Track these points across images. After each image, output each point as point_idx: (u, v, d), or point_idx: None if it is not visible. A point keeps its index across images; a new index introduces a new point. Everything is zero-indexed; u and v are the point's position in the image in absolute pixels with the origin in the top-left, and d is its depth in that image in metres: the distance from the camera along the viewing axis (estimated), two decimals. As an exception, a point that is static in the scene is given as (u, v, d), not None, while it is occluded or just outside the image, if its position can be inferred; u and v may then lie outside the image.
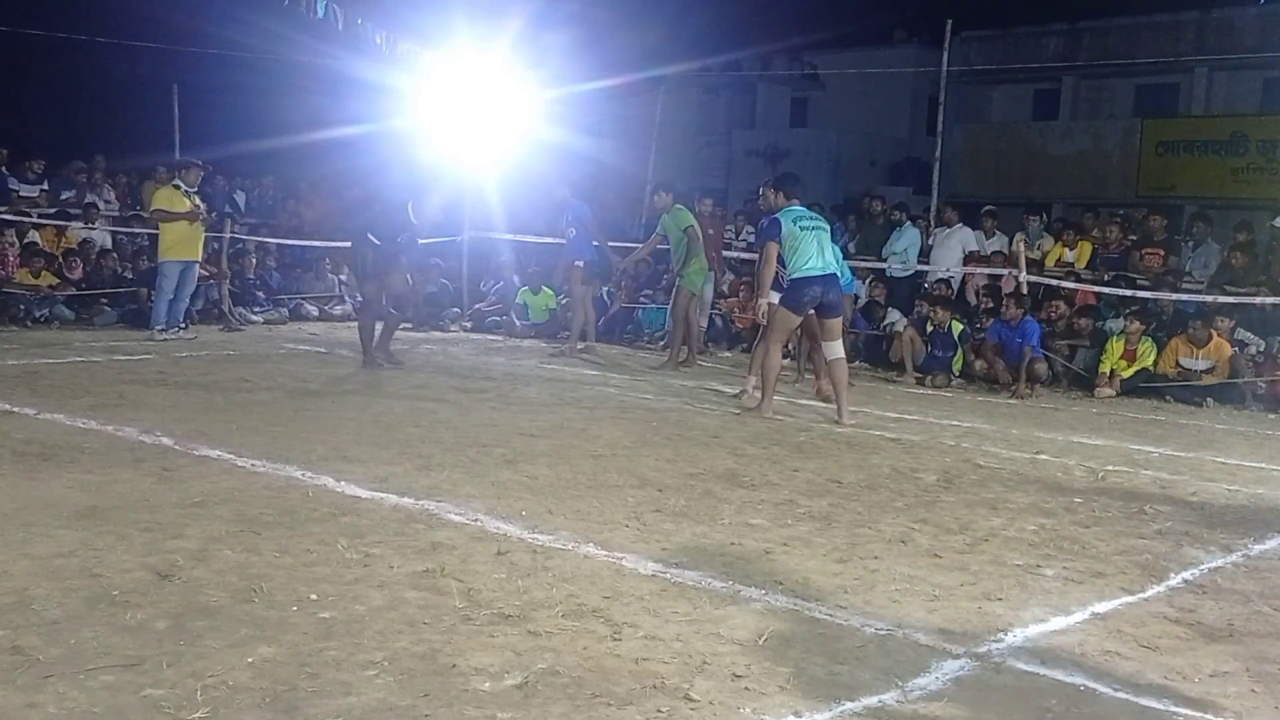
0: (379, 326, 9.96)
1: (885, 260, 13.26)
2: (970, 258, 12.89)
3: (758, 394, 8.41)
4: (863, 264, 13.14)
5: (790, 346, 11.90)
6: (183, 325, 11.84)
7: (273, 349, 10.98)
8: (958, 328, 11.04)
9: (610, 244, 12.27)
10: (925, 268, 13.06)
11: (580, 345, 11.72)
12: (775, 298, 8.51)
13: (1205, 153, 20.97)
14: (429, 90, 13.63)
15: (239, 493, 4.88)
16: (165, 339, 11.25)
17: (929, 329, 11.15)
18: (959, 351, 10.96)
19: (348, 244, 15.27)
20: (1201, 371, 10.24)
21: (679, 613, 3.60)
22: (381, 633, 3.29)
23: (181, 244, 11.63)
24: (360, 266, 10.21)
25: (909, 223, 13.58)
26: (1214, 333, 10.31)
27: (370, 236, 9.79)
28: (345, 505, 4.76)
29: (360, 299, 10.60)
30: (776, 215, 8.18)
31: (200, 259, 12.07)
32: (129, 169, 16.09)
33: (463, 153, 14.05)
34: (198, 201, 11.84)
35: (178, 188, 11.71)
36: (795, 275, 7.98)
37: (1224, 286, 11.07)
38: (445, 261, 15.03)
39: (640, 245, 12.49)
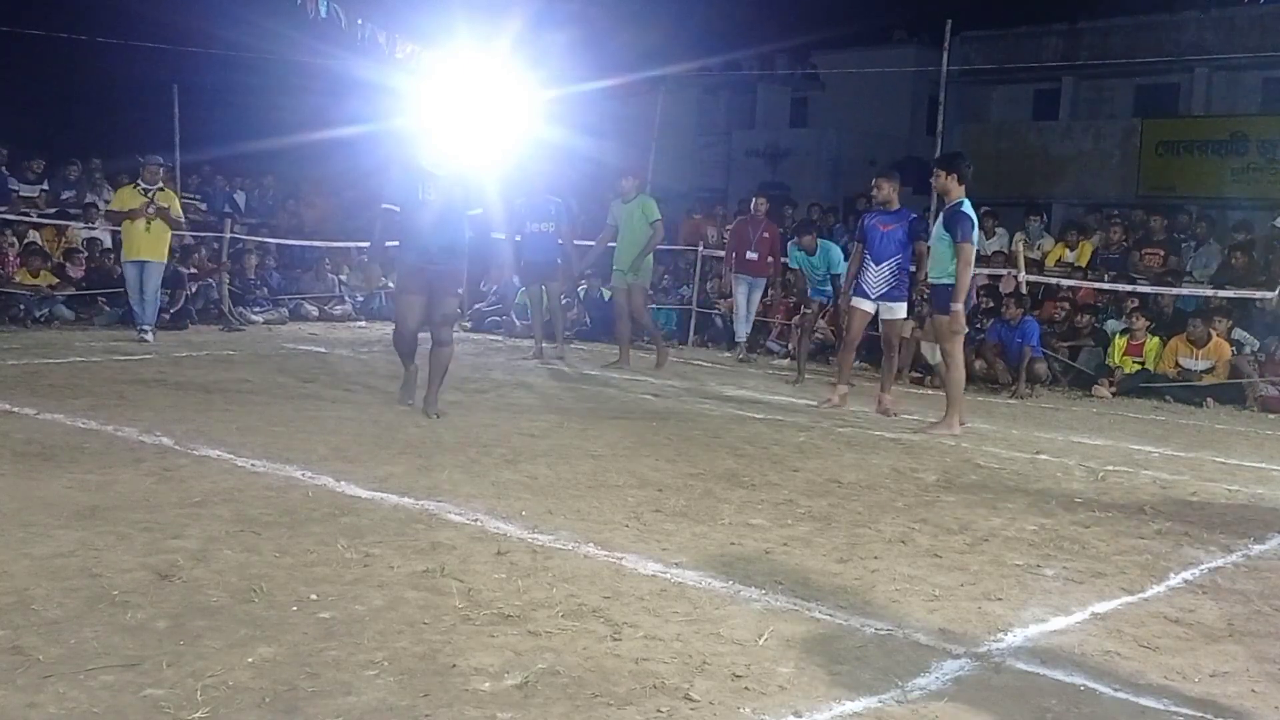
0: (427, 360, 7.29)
1: None
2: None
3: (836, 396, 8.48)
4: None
5: (791, 347, 11.92)
6: (145, 329, 11.21)
7: (273, 349, 10.98)
8: None
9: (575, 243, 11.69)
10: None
11: (551, 346, 11.17)
12: (903, 309, 8.37)
13: (1205, 153, 20.98)
14: (429, 90, 13.62)
15: (239, 493, 4.88)
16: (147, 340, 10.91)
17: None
18: None
19: (346, 245, 15.45)
20: (1201, 372, 10.24)
21: (679, 613, 3.60)
22: (381, 633, 3.29)
23: (132, 244, 11.15)
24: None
25: None
26: (1213, 332, 10.32)
27: (385, 206, 7.22)
28: (345, 505, 4.76)
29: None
30: (964, 210, 7.46)
31: (161, 258, 11.33)
32: (129, 169, 16.06)
33: (463, 153, 14.04)
34: (154, 198, 11.18)
35: (136, 186, 11.34)
36: (951, 281, 7.44)
37: (1224, 285, 11.09)
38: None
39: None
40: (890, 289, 8.27)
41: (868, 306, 8.34)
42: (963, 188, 7.54)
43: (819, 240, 10.66)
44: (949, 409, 7.61)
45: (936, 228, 7.66)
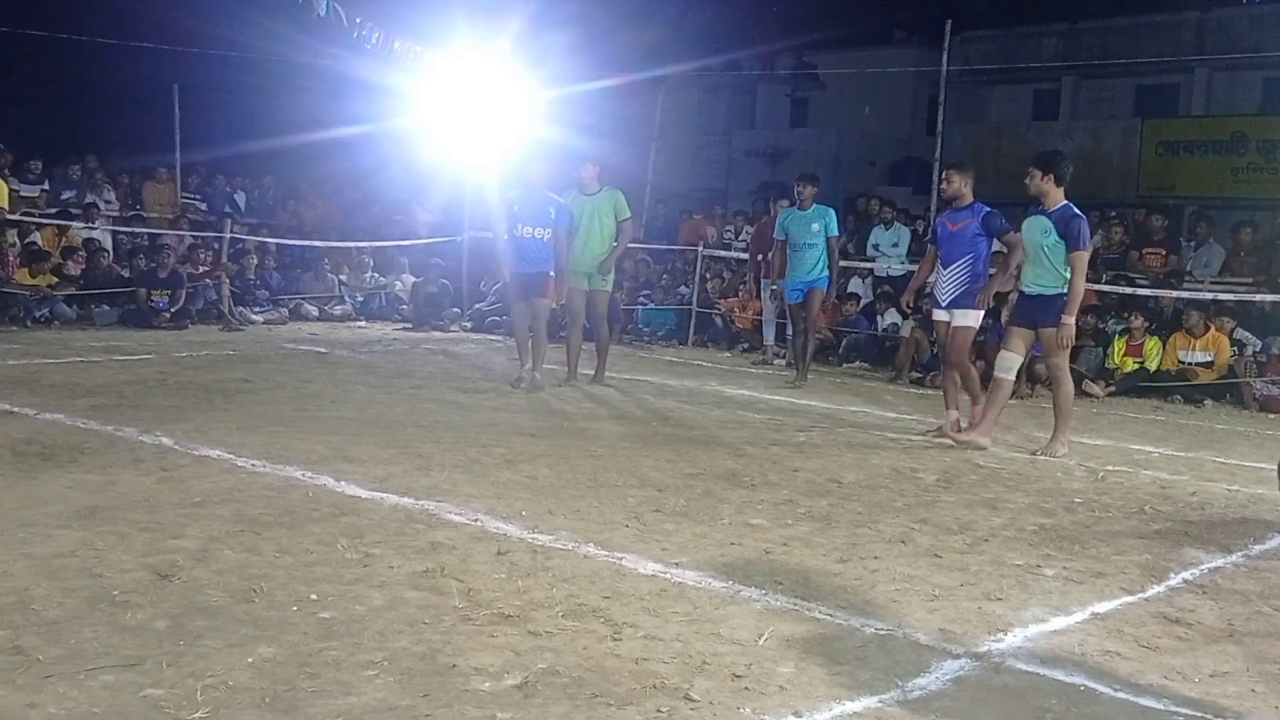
0: None
1: (873, 259, 13.26)
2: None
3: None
4: (860, 264, 13.18)
5: (777, 350, 11.89)
6: None
7: (273, 349, 10.98)
8: None
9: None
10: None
11: (534, 374, 8.76)
12: (975, 317, 7.41)
13: (1205, 153, 20.97)
14: (429, 90, 13.63)
15: (239, 493, 4.88)
16: None
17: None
18: None
19: (346, 245, 15.44)
20: (1200, 364, 10.25)
21: (679, 613, 3.60)
22: (381, 633, 3.29)
23: None
24: None
25: (896, 222, 13.56)
26: (1211, 324, 10.34)
27: None
28: (345, 505, 4.76)
29: None
30: (1079, 213, 6.87)
31: None
32: (129, 169, 16.10)
33: (463, 153, 14.07)
34: None
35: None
36: (1057, 290, 6.89)
37: (1228, 280, 11.14)
38: (445, 261, 15.05)
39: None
40: (961, 293, 7.36)
41: (945, 317, 7.52)
42: (1061, 190, 6.88)
43: (817, 204, 9.73)
44: (1058, 426, 7.04)
45: (1034, 231, 6.92)
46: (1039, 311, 6.99)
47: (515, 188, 9.03)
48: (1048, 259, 6.88)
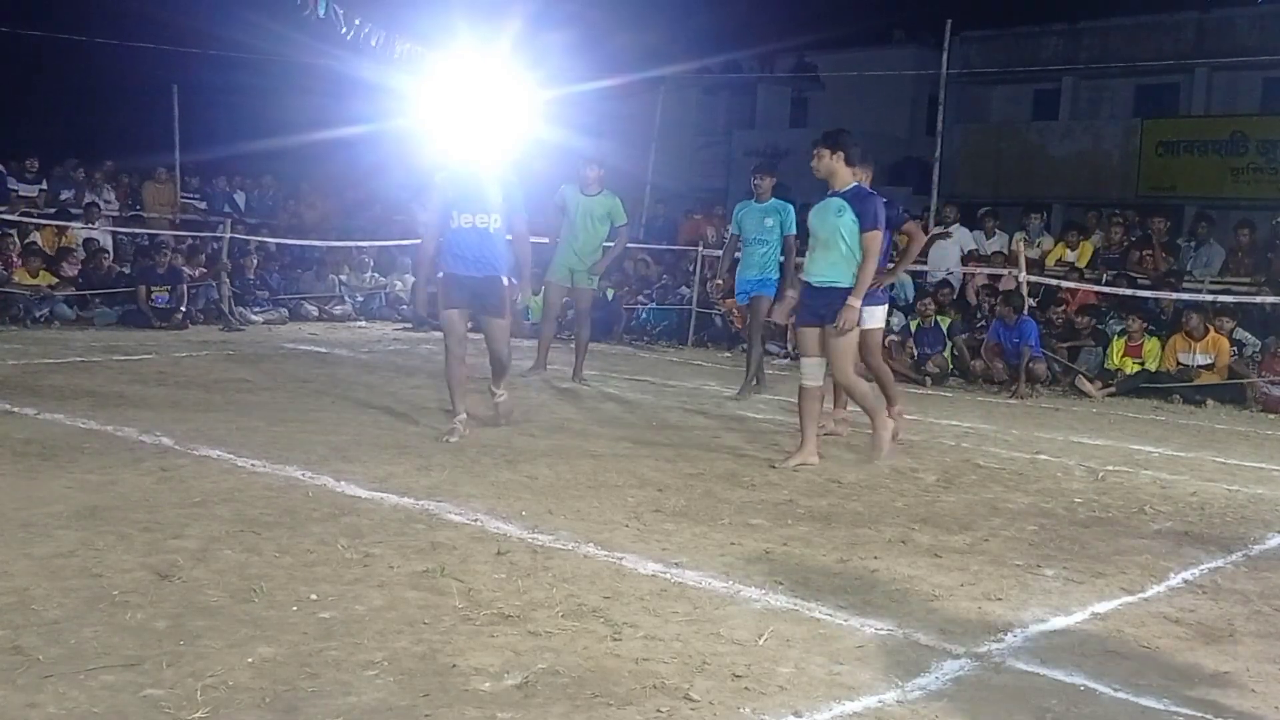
0: None
1: None
2: (970, 257, 12.91)
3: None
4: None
5: (791, 348, 11.88)
6: None
7: (273, 349, 10.98)
8: (946, 321, 11.07)
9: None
10: (922, 268, 13.05)
11: (501, 395, 7.19)
12: (881, 314, 6.99)
13: (1205, 153, 20.99)
14: (429, 90, 13.63)
15: (239, 493, 4.88)
16: None
17: (914, 329, 11.18)
18: (947, 346, 10.99)
19: (346, 244, 15.44)
20: (1200, 367, 10.24)
21: (679, 613, 3.60)
22: (381, 633, 3.29)
23: None
24: None
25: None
26: (1210, 327, 10.33)
27: None
28: (345, 505, 4.76)
29: None
30: (873, 193, 6.38)
31: None
32: (129, 169, 16.12)
33: (463, 153, 14.07)
34: None
35: None
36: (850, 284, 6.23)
37: (1227, 280, 11.13)
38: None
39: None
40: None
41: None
42: (852, 170, 6.33)
43: (774, 199, 8.77)
44: (877, 426, 6.47)
45: (827, 213, 6.27)
46: (828, 306, 6.22)
47: (447, 167, 6.91)
48: (845, 242, 6.19)
